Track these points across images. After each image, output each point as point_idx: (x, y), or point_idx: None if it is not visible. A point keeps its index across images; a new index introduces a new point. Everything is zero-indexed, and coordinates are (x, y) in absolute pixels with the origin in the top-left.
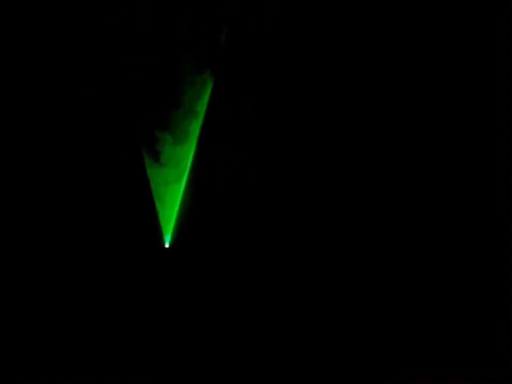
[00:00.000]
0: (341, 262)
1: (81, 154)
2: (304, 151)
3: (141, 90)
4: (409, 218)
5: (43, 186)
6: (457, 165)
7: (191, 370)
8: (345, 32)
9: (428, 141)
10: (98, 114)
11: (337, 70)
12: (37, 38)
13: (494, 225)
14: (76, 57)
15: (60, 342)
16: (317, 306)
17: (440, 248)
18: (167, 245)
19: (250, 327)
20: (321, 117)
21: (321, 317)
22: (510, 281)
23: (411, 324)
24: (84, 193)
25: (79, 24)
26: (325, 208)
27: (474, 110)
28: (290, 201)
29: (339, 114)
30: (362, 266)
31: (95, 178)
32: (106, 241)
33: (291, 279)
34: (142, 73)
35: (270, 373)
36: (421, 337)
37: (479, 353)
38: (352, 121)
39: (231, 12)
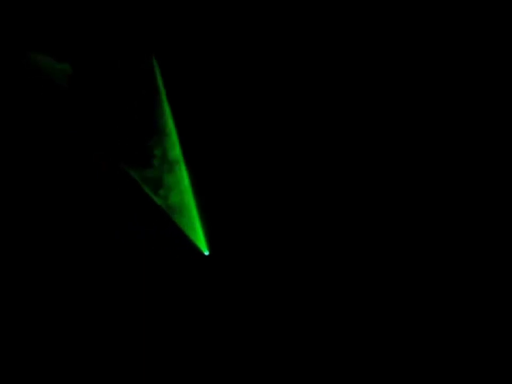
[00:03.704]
0: (342, 261)
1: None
2: (305, 151)
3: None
4: (410, 218)
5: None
6: (457, 164)
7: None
8: (346, 32)
9: (429, 141)
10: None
11: (337, 70)
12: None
13: (495, 225)
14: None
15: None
16: (318, 306)
17: (440, 247)
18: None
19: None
20: (321, 117)
21: (322, 318)
22: (510, 281)
23: (411, 324)
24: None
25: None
26: (325, 208)
27: (475, 109)
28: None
29: (339, 114)
30: (363, 266)
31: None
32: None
33: (293, 279)
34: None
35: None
36: (421, 337)
37: (479, 354)
38: (353, 121)
39: (231, 14)
